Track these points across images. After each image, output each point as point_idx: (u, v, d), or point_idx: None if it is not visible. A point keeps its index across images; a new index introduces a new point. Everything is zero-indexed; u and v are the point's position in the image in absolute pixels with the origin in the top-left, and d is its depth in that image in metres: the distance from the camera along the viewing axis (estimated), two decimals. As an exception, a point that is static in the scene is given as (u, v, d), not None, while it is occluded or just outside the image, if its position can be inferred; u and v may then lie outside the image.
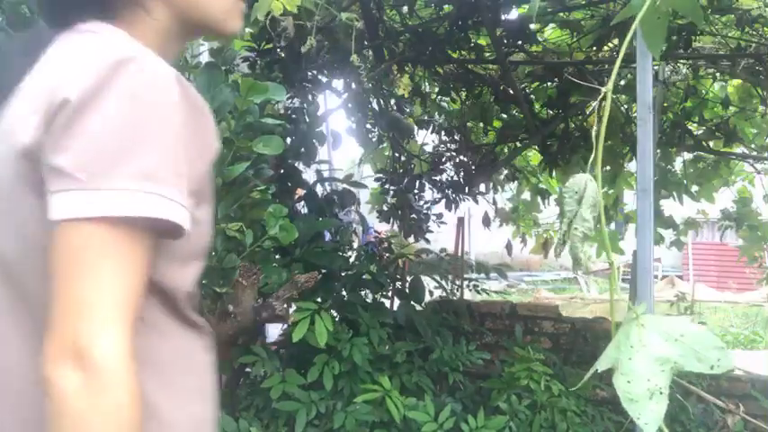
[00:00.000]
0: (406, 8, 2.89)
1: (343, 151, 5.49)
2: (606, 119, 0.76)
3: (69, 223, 0.60)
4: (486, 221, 4.07)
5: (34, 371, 0.61)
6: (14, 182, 0.65)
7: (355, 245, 3.21)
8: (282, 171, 2.35)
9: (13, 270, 0.68)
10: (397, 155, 3.77)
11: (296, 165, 2.47)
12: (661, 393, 0.72)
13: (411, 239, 3.80)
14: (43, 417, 0.60)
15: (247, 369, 2.37)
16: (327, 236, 2.68)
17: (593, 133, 0.75)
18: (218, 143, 0.73)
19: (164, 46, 0.75)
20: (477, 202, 3.88)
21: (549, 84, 3.39)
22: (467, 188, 3.72)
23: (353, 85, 3.04)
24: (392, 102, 3.54)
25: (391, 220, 3.73)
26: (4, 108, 0.71)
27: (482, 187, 3.94)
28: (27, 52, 0.74)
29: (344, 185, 2.83)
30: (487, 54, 3.20)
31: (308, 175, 2.67)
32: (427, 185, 3.77)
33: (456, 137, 3.82)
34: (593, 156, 0.75)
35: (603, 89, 0.76)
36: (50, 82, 0.64)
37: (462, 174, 3.73)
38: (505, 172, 4.07)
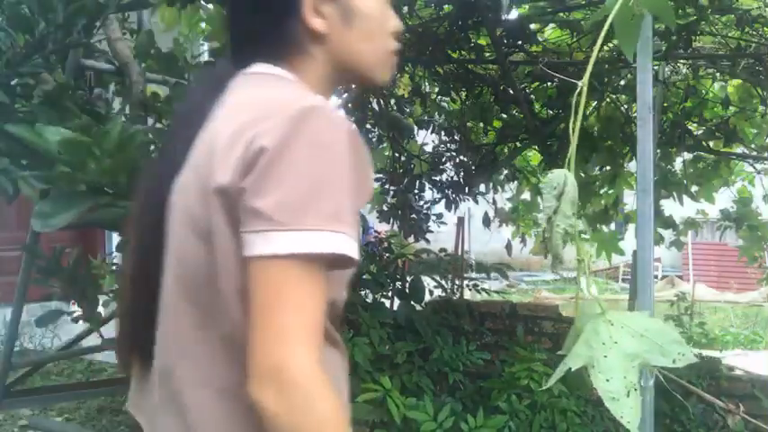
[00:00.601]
0: (406, 8, 2.89)
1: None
2: (581, 114, 0.76)
3: (270, 260, 0.68)
4: (486, 221, 4.07)
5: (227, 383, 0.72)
6: (210, 213, 0.72)
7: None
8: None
9: (201, 292, 0.75)
10: (397, 155, 3.77)
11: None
12: (635, 389, 0.73)
13: (411, 239, 3.79)
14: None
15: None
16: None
17: (570, 127, 0.75)
18: (373, 184, 0.80)
19: (321, 88, 0.82)
20: (477, 202, 3.88)
21: (549, 84, 3.39)
22: (467, 188, 3.71)
23: (353, 85, 3.03)
24: (392, 102, 3.54)
25: (391, 220, 3.73)
26: (193, 138, 0.79)
27: (482, 187, 3.94)
28: (208, 84, 0.85)
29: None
30: (487, 54, 3.20)
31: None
32: (427, 185, 3.77)
33: (456, 137, 3.82)
34: (570, 151, 0.75)
35: (579, 83, 0.75)
36: (246, 128, 0.71)
37: (462, 174, 3.73)
38: (505, 172, 4.06)
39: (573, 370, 0.76)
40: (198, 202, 0.73)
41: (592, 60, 0.78)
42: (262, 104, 0.75)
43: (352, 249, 0.70)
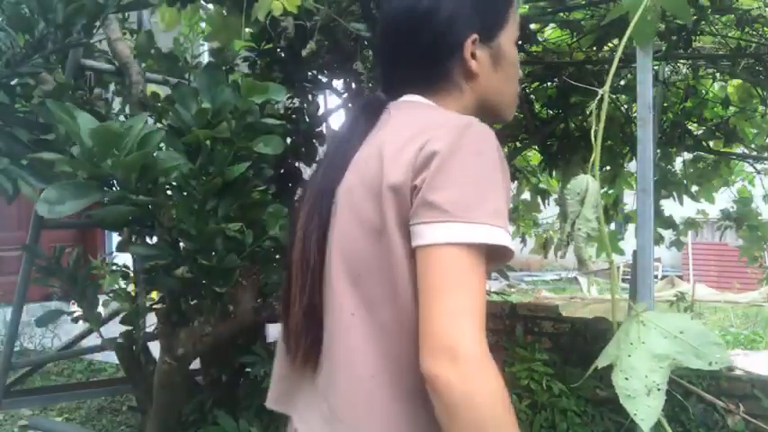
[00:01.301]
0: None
1: (343, 151, 5.46)
2: (603, 120, 0.77)
3: (445, 247, 0.76)
4: (486, 221, 4.06)
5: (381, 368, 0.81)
6: (383, 211, 0.82)
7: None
8: (282, 171, 2.35)
9: (367, 282, 0.84)
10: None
11: (296, 165, 2.46)
12: (659, 390, 0.73)
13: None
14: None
15: (247, 369, 2.37)
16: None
17: (593, 134, 0.75)
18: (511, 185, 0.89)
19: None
20: (477, 202, 3.88)
21: (549, 84, 3.39)
22: (467, 188, 3.71)
23: (353, 85, 3.03)
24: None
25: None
26: (352, 153, 0.91)
27: (482, 187, 3.93)
28: (362, 111, 0.98)
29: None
30: (487, 54, 3.19)
31: (309, 175, 2.67)
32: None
33: (456, 137, 3.82)
34: (593, 156, 0.76)
35: (601, 91, 0.76)
36: (415, 137, 0.82)
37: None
38: (505, 172, 4.06)
39: (599, 368, 0.77)
40: (366, 202, 0.84)
41: (614, 64, 0.79)
42: (423, 121, 0.87)
43: (510, 242, 0.80)
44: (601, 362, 0.78)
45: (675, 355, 0.74)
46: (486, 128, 0.85)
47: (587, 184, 0.79)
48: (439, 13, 0.92)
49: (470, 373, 0.72)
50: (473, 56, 0.93)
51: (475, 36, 0.93)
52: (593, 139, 0.75)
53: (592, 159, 0.76)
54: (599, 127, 0.75)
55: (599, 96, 0.76)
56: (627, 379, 0.74)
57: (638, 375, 0.74)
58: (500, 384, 0.74)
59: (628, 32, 0.79)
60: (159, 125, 1.71)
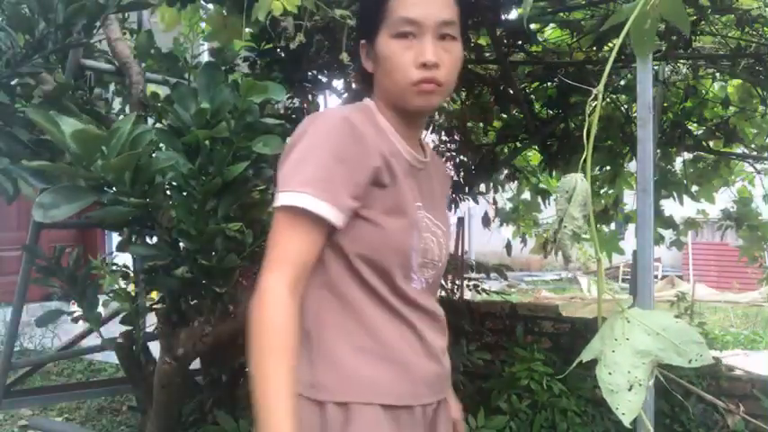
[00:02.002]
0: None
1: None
2: (596, 119, 0.77)
3: (275, 212, 1.01)
4: (486, 221, 4.07)
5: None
6: None
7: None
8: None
9: None
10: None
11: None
12: (640, 385, 0.74)
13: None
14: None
15: (247, 369, 2.37)
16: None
17: (584, 132, 0.76)
18: (376, 162, 1.03)
19: (389, 114, 1.12)
20: (477, 202, 3.88)
21: (549, 84, 3.39)
22: (467, 188, 3.71)
23: (354, 85, 3.03)
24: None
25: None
26: None
27: (482, 187, 3.93)
28: None
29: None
30: (487, 54, 3.20)
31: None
32: (427, 185, 3.76)
33: (456, 137, 3.82)
34: (584, 154, 0.76)
35: (595, 90, 0.76)
36: None
37: (462, 174, 3.72)
38: (505, 172, 4.06)
39: (584, 362, 0.78)
40: None
41: (608, 66, 0.79)
42: None
43: (314, 205, 0.97)
44: (585, 356, 0.80)
45: (657, 352, 0.75)
46: (330, 117, 1.04)
47: (576, 182, 0.80)
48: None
49: (254, 307, 0.96)
50: (368, 59, 1.13)
51: (362, 42, 1.13)
52: (584, 137, 0.75)
53: (583, 157, 0.77)
54: (591, 127, 0.76)
55: (593, 95, 0.76)
56: (610, 374, 0.76)
57: (621, 371, 0.75)
58: (269, 323, 0.95)
59: (622, 35, 0.79)
60: (159, 125, 1.71)
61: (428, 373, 1.10)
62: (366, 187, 1.03)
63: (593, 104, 0.78)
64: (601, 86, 0.76)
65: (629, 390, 0.74)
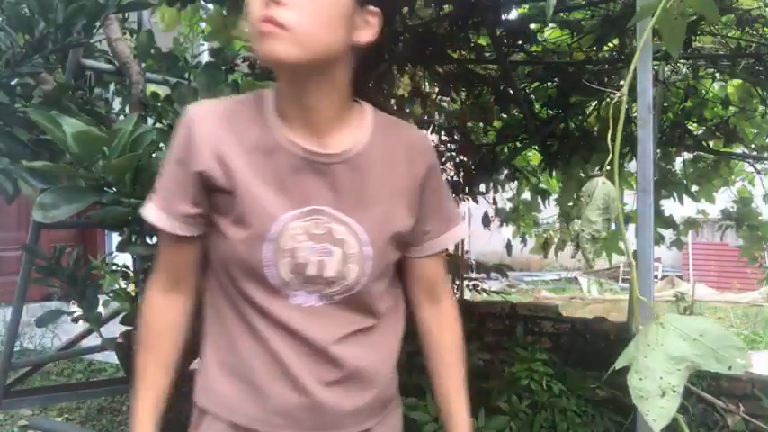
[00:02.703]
0: (406, 8, 2.89)
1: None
2: (622, 121, 0.76)
3: None
4: (486, 221, 4.07)
5: None
6: None
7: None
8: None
9: None
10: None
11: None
12: (674, 392, 0.72)
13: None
14: None
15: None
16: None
17: (609, 136, 0.75)
18: (199, 166, 0.92)
19: (289, 106, 0.95)
20: (477, 202, 3.88)
21: (549, 84, 3.39)
22: (467, 188, 3.71)
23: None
24: (392, 102, 3.53)
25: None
26: None
27: (482, 187, 3.93)
28: None
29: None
30: (487, 54, 3.19)
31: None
32: (427, 185, 3.76)
33: (456, 137, 3.82)
34: (609, 158, 0.75)
35: (618, 94, 0.75)
36: None
37: (462, 174, 3.72)
38: (505, 172, 4.06)
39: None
40: None
41: (633, 64, 0.79)
42: None
43: (150, 214, 0.96)
44: (619, 363, 0.77)
45: (694, 358, 0.72)
46: (184, 115, 0.96)
47: (596, 186, 0.79)
48: None
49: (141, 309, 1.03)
50: None
51: None
52: (609, 141, 0.74)
53: (607, 161, 0.76)
54: (617, 130, 0.75)
55: (616, 98, 0.75)
56: (641, 380, 0.73)
57: (653, 376, 0.73)
58: (145, 320, 1.01)
59: (649, 27, 0.78)
60: (159, 125, 1.71)
61: (287, 403, 0.95)
62: (201, 192, 0.94)
63: (617, 107, 0.77)
64: (625, 89, 0.75)
65: (662, 396, 0.71)
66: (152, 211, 0.96)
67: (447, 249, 1.13)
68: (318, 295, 0.95)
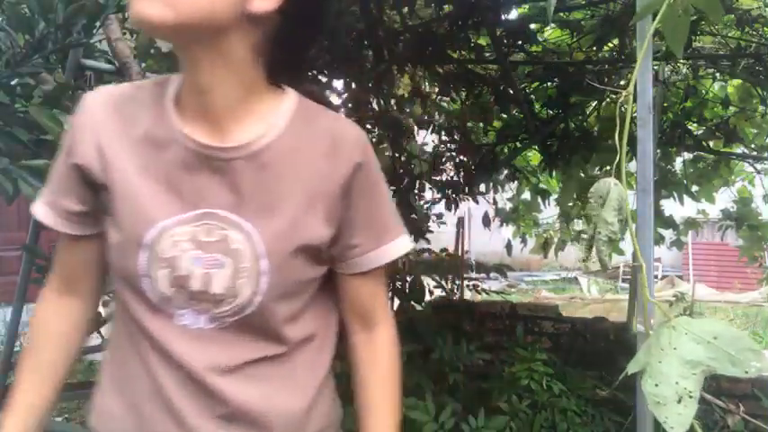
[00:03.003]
0: (406, 8, 2.89)
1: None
2: (629, 121, 0.76)
3: None
4: (486, 221, 4.07)
5: None
6: None
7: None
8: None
9: None
10: (396, 155, 3.76)
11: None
12: (691, 397, 0.70)
13: (411, 239, 3.78)
14: None
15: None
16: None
17: (616, 136, 0.74)
18: (77, 159, 0.82)
19: (188, 94, 0.83)
20: (477, 202, 3.88)
21: (549, 84, 3.39)
22: (467, 188, 3.71)
23: (353, 85, 3.03)
24: (392, 102, 3.53)
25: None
26: None
27: (482, 187, 3.94)
28: None
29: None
30: (487, 54, 3.20)
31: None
32: (427, 185, 3.77)
33: (456, 137, 3.82)
34: (617, 158, 0.75)
35: (624, 93, 0.75)
36: None
37: (462, 174, 3.72)
38: (505, 172, 4.06)
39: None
40: None
41: (638, 64, 0.79)
42: None
43: (36, 209, 0.89)
44: (631, 368, 0.75)
45: (709, 362, 0.71)
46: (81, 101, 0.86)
47: (609, 187, 0.78)
48: None
49: None
50: None
51: None
52: (616, 141, 0.74)
53: (616, 162, 0.75)
54: (624, 130, 0.74)
55: (621, 98, 0.75)
56: (656, 385, 0.71)
57: (669, 382, 0.71)
58: (31, 323, 0.95)
59: (653, 26, 0.78)
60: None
61: None
62: (83, 188, 0.84)
63: (621, 107, 0.77)
64: (631, 87, 0.75)
65: (679, 402, 0.69)
66: (39, 207, 0.88)
67: (382, 266, 0.93)
68: (208, 316, 0.80)
